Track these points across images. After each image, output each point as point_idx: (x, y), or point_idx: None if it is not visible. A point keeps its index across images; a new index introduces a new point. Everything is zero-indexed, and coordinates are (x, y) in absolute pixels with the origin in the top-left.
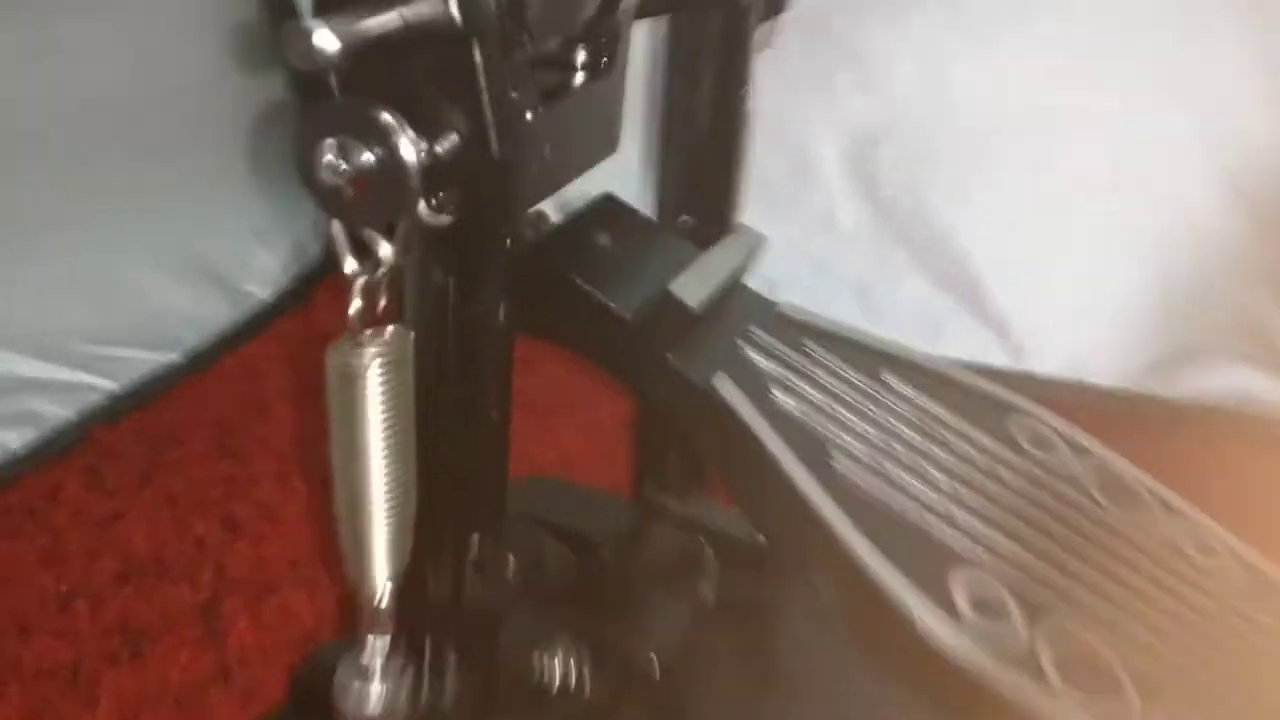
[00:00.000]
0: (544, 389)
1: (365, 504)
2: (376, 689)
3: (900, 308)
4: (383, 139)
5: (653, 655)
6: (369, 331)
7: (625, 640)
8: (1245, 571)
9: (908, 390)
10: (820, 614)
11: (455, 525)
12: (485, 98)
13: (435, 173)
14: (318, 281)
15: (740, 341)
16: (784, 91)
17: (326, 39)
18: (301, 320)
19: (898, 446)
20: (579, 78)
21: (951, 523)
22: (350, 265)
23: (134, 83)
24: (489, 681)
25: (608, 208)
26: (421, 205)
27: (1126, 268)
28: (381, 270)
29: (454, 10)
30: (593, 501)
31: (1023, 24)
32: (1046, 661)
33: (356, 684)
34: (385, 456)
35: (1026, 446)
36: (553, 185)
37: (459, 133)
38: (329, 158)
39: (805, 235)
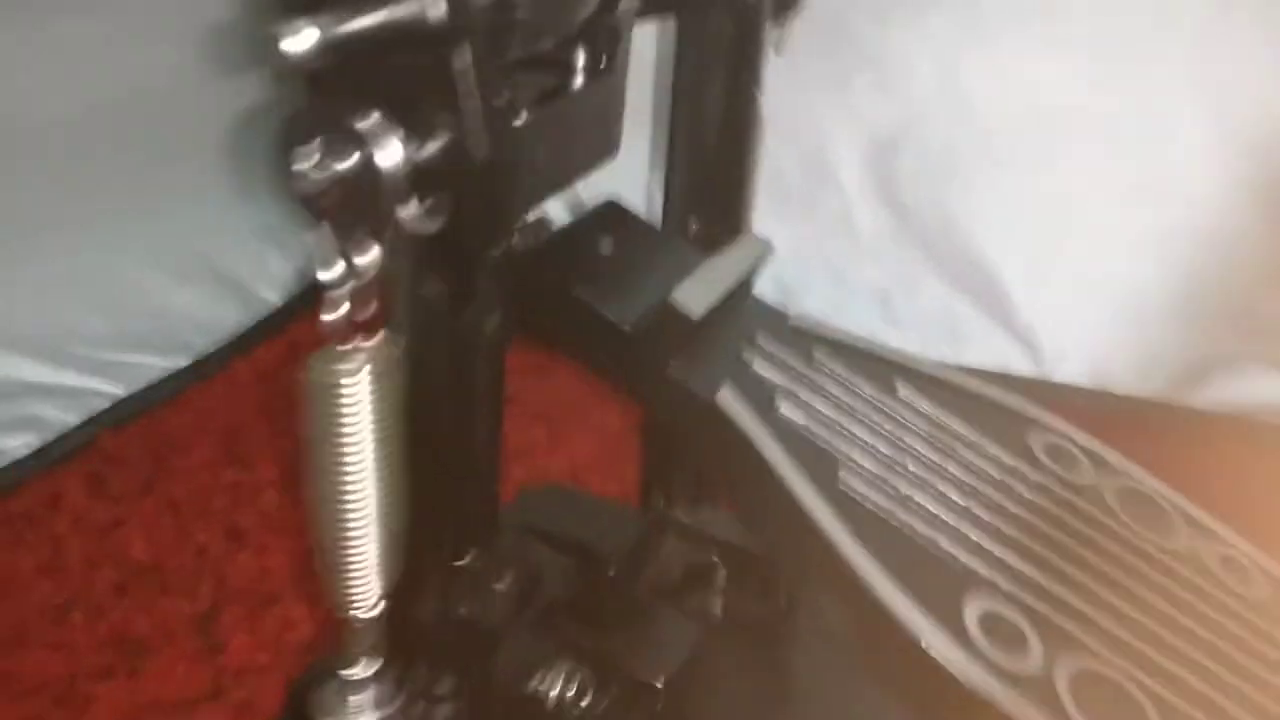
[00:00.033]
0: (556, 396)
1: (352, 522)
2: (365, 712)
3: (919, 314)
4: (365, 142)
5: (659, 673)
6: (352, 342)
7: (629, 658)
8: (1275, 590)
9: (921, 403)
10: (829, 633)
11: (447, 540)
12: (470, 100)
13: (420, 177)
14: None
15: (746, 352)
16: (801, 93)
17: (297, 39)
18: (314, 325)
19: (909, 462)
20: (577, 79)
21: (964, 542)
22: (330, 272)
23: (140, 82)
24: (486, 703)
25: (611, 214)
26: (409, 211)
27: (1151, 272)
28: (364, 278)
29: (437, 10)
30: (600, 512)
31: (1041, 23)
32: (1063, 690)
33: (343, 706)
34: (373, 472)
35: (1045, 461)
36: (548, 190)
37: (444, 136)
38: (310, 161)
39: (822, 240)
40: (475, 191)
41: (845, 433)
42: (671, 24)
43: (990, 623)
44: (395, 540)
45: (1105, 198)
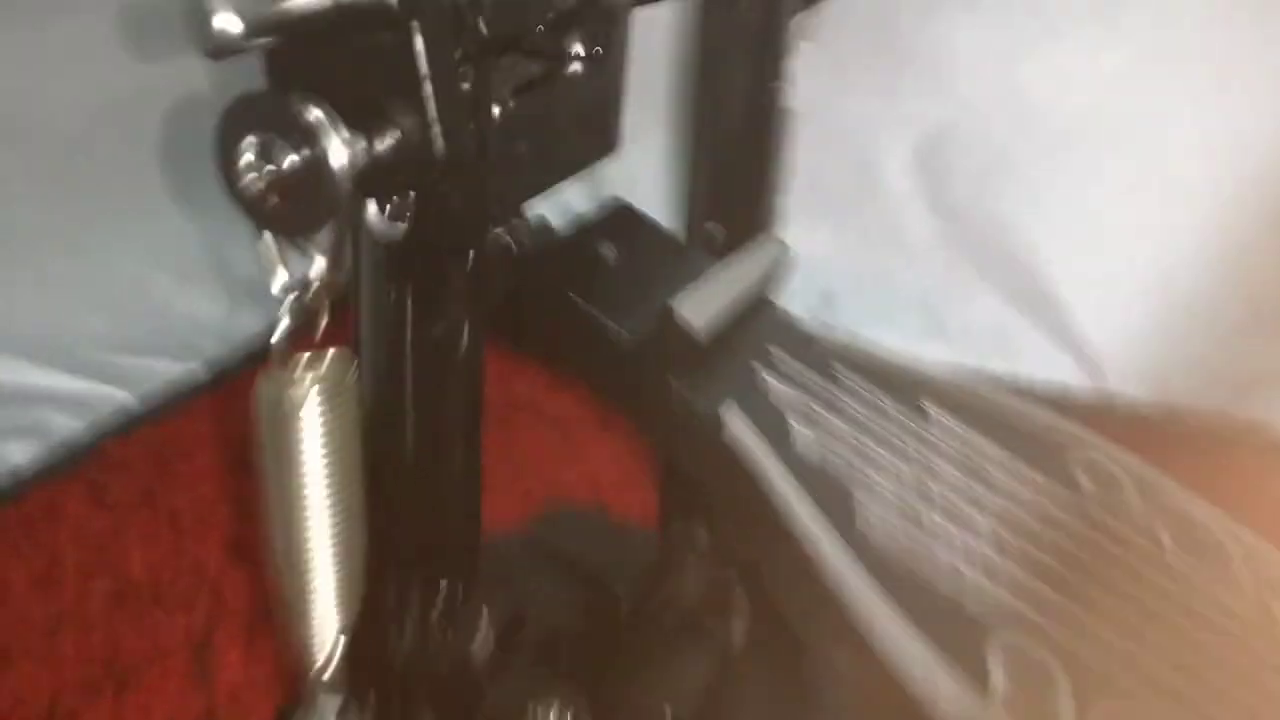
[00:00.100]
0: (574, 406)
1: (307, 552)
2: None
3: (968, 324)
4: (309, 137)
5: (666, 709)
6: (305, 357)
7: (634, 695)
8: None
9: (951, 422)
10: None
11: (420, 573)
12: (427, 89)
13: (377, 176)
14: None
15: (758, 365)
16: (844, 90)
17: (228, 20)
18: (335, 333)
19: (934, 487)
20: (571, 69)
21: (992, 577)
22: (278, 282)
23: (148, 81)
24: None
25: (618, 217)
26: (371, 213)
27: (1217, 283)
28: (314, 287)
29: None
30: (612, 534)
31: (1103, 18)
32: None
33: None
34: (328, 499)
35: (1087, 486)
36: (532, 189)
37: (400, 130)
38: (250, 157)
39: (866, 245)
40: (446, 191)
41: (865, 457)
42: (690, 8)
43: (1018, 669)
44: (356, 572)
45: (1168, 202)
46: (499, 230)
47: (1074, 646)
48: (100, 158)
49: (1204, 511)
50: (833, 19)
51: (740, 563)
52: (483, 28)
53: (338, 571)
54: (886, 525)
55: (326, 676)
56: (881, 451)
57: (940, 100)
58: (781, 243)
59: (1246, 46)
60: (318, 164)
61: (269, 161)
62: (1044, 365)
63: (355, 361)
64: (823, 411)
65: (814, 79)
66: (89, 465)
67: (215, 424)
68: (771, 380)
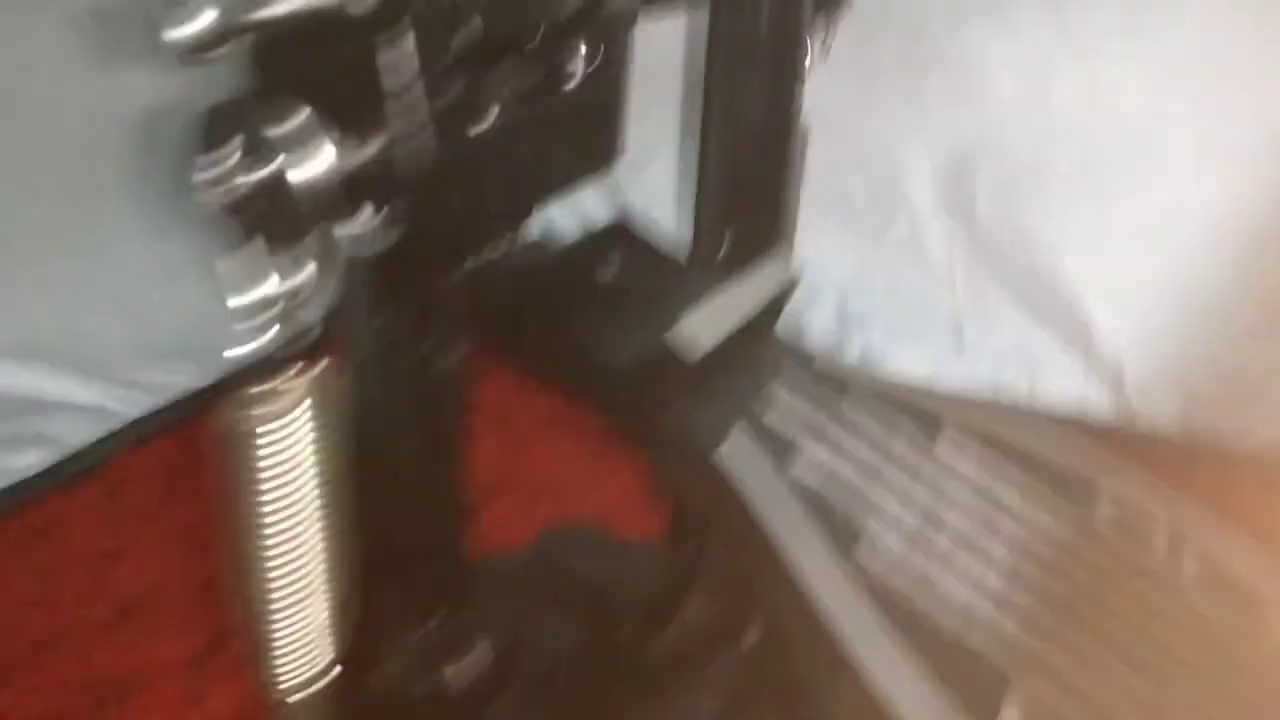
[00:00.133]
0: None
1: (285, 587)
2: None
3: (993, 345)
4: (286, 145)
5: None
6: (290, 373)
7: None
8: None
9: (966, 461)
10: None
11: (409, 603)
12: (405, 99)
13: (360, 187)
14: None
15: (761, 398)
16: (870, 103)
17: (188, 23)
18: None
19: (944, 533)
20: (568, 78)
21: (1006, 633)
22: (248, 295)
23: (169, 84)
24: None
25: (617, 236)
26: (357, 223)
27: (1252, 305)
28: (288, 306)
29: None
30: (618, 554)
31: (1138, 33)
32: None
33: None
34: (302, 529)
35: (1110, 533)
36: (527, 203)
37: (381, 140)
38: (233, 160)
39: (891, 263)
40: (428, 205)
41: (870, 496)
42: (703, 17)
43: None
44: (339, 605)
45: (1202, 222)
46: (496, 244)
47: (1096, 695)
48: (120, 160)
49: (1237, 549)
50: (859, 29)
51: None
52: (474, 37)
53: (317, 604)
54: (891, 572)
55: (306, 707)
56: (887, 492)
57: (968, 113)
58: (788, 266)
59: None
60: (305, 167)
61: (254, 164)
62: (1068, 384)
63: (342, 377)
64: (826, 449)
65: (838, 90)
66: (99, 476)
67: None
68: (772, 409)
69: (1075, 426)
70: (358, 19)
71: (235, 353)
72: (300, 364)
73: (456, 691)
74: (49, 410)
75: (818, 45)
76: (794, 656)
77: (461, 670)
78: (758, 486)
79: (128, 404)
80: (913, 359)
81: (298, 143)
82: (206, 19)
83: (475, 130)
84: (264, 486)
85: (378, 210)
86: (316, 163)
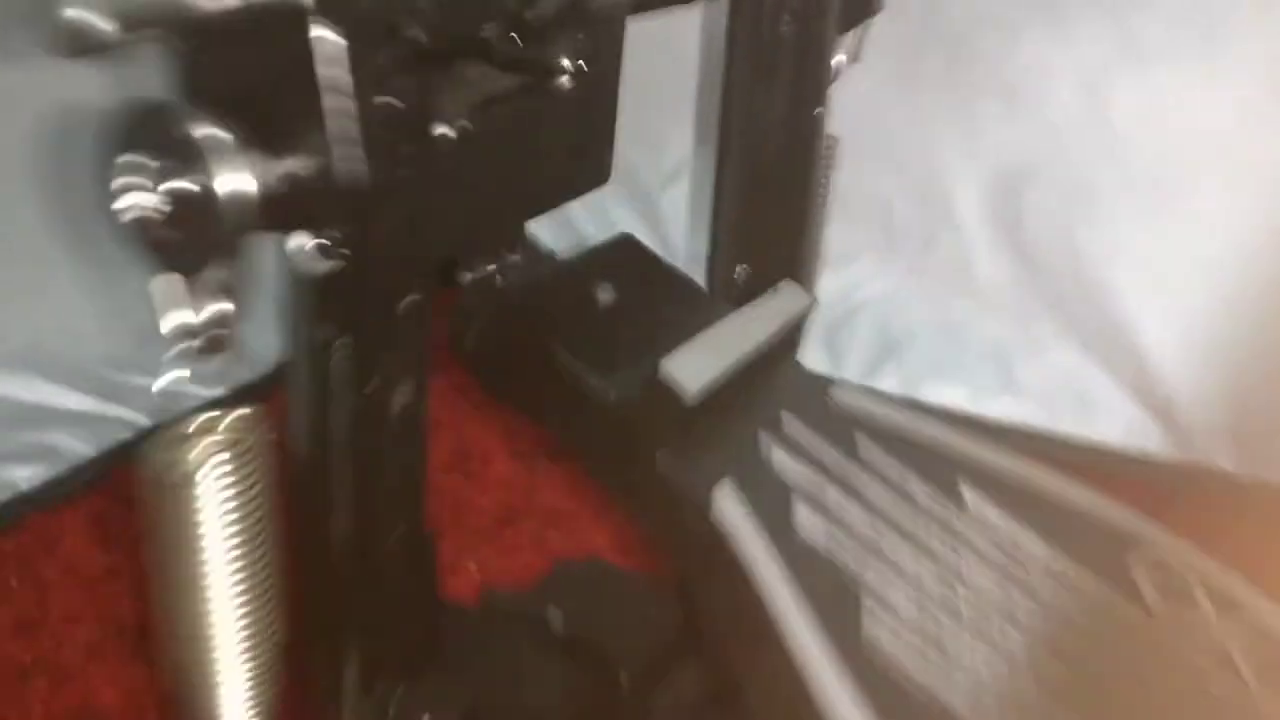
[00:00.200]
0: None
1: (208, 646)
2: None
3: (1041, 376)
4: (201, 158)
5: None
6: (202, 418)
7: None
8: None
9: (991, 513)
10: None
11: (359, 671)
12: (343, 105)
13: (284, 205)
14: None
15: (764, 435)
16: (916, 116)
17: (82, 12)
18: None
19: (962, 595)
20: (552, 84)
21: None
22: (171, 322)
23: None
24: None
25: (623, 252)
26: (298, 247)
27: None
28: (210, 334)
29: None
30: (624, 600)
31: (1203, 49)
32: None
33: None
34: (234, 584)
35: (1152, 598)
36: (503, 221)
37: (313, 154)
38: (133, 178)
39: (933, 286)
40: (374, 224)
41: (881, 554)
42: (716, 20)
43: None
44: (266, 670)
45: (1266, 249)
46: (481, 266)
47: None
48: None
49: None
50: (903, 36)
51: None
52: (421, 36)
53: (246, 662)
54: (899, 642)
55: None
56: (903, 546)
57: (1020, 127)
58: (803, 292)
59: None
60: (209, 190)
61: (156, 184)
62: (1121, 424)
63: (263, 421)
64: (836, 494)
65: (880, 101)
66: (94, 493)
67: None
68: (778, 454)
69: (1120, 459)
70: (287, 15)
71: (158, 384)
72: (236, 403)
73: None
74: (45, 422)
75: (846, 50)
76: None
77: None
78: (753, 545)
79: (127, 418)
80: (953, 388)
81: (214, 154)
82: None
83: (431, 142)
84: (190, 536)
85: (316, 230)
86: (232, 181)
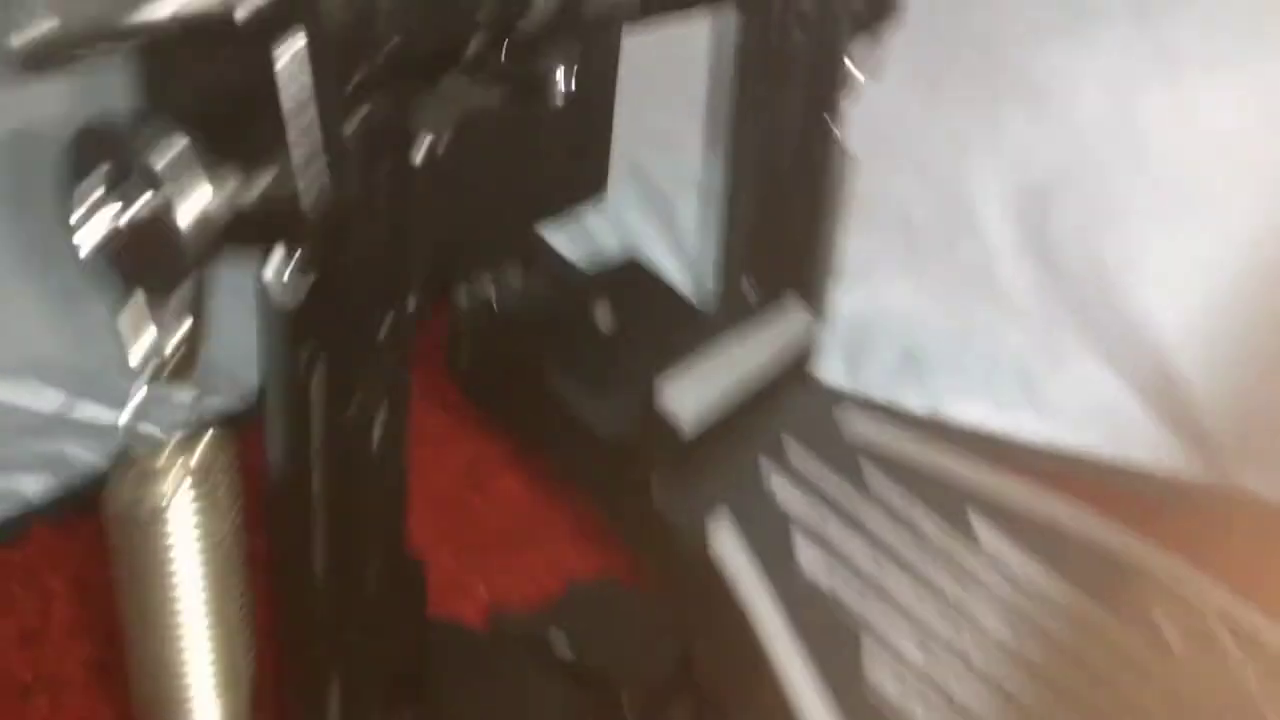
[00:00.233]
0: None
1: (180, 681)
2: None
3: (1070, 396)
4: (164, 177)
5: None
6: (168, 449)
7: None
8: None
9: (1003, 546)
10: None
11: (341, 706)
12: (309, 118)
13: (250, 224)
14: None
15: (766, 462)
16: (938, 124)
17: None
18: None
19: (971, 637)
20: (545, 97)
21: None
22: (138, 352)
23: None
24: None
25: (626, 275)
26: (271, 267)
27: None
28: (172, 362)
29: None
30: (639, 623)
31: (1233, 59)
32: None
33: None
34: (207, 617)
35: (1173, 638)
36: (485, 240)
37: (281, 172)
38: (97, 195)
39: (955, 300)
40: (350, 243)
41: (884, 592)
42: (725, 28)
43: None
44: (241, 710)
45: None
46: (478, 283)
47: None
48: None
49: None
50: (924, 43)
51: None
52: (390, 43)
53: (220, 696)
54: (902, 686)
55: None
56: (908, 583)
57: (1048, 137)
58: (808, 311)
59: None
60: (169, 207)
61: (118, 200)
62: (1147, 442)
63: (231, 447)
64: (839, 526)
65: (901, 110)
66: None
67: (254, 464)
68: (779, 482)
69: (1146, 479)
70: (244, 28)
71: (125, 414)
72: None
73: None
74: (54, 431)
75: (864, 67)
76: None
77: None
78: (749, 580)
79: (142, 428)
80: (975, 402)
81: (175, 173)
82: (44, 26)
83: (410, 158)
84: (162, 567)
85: (287, 249)
86: (193, 198)
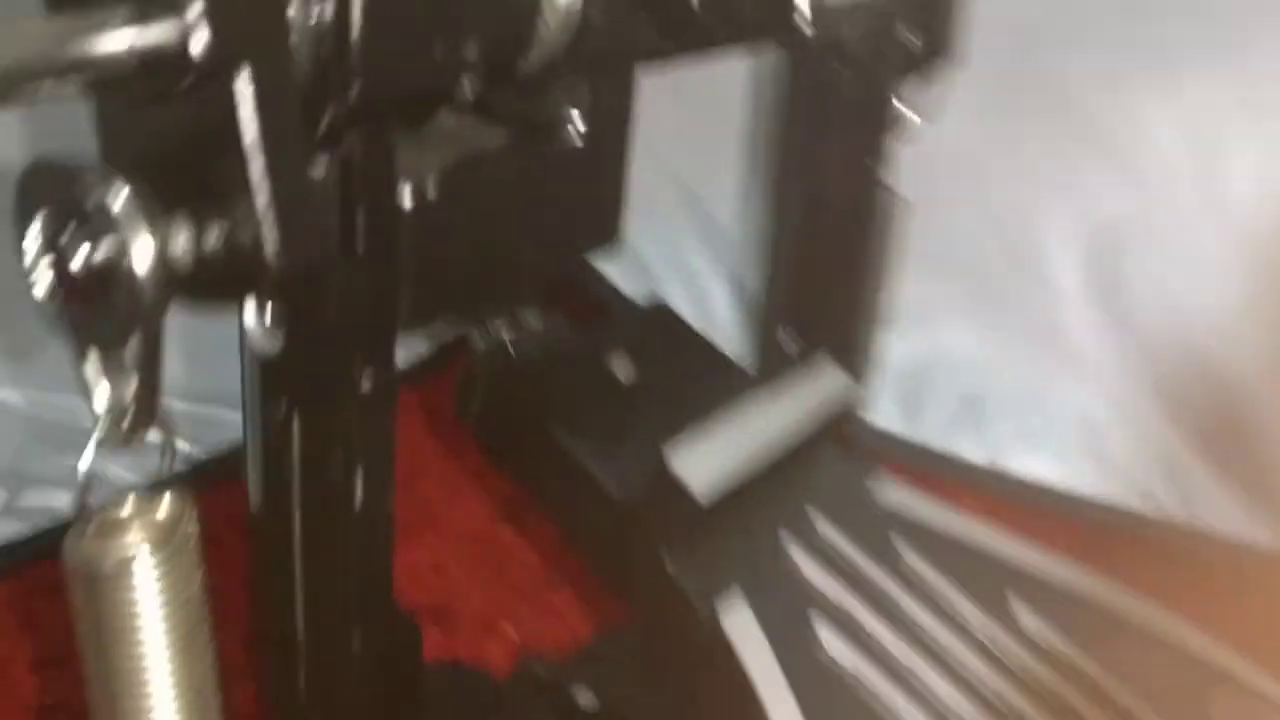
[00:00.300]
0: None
1: None
2: None
3: (1138, 455)
4: (106, 224)
5: None
6: (129, 502)
7: None
8: None
9: (1047, 636)
10: None
11: None
12: (260, 165)
13: (204, 278)
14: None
15: (788, 537)
16: (1009, 168)
17: None
18: (436, 392)
19: None
20: (549, 139)
21: None
22: (99, 402)
23: None
24: None
25: (653, 322)
26: (250, 318)
27: None
28: (131, 414)
29: (199, 41)
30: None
31: None
32: None
33: None
34: (173, 674)
35: None
36: (478, 294)
37: (244, 221)
38: (40, 242)
39: (1020, 349)
40: (324, 297)
41: (912, 687)
42: (767, 67)
43: None
44: None
45: None
46: (490, 331)
47: None
48: None
49: None
50: (995, 84)
51: None
52: (352, 89)
53: None
54: None
55: None
56: (940, 677)
57: (1122, 182)
58: (842, 373)
59: None
60: (114, 260)
61: (61, 252)
62: (1221, 510)
63: (195, 505)
64: (864, 609)
65: (969, 152)
66: None
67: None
68: (801, 559)
69: (1217, 547)
70: (200, 63)
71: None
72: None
73: None
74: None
75: (918, 101)
76: None
77: None
78: (763, 668)
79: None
80: (1038, 457)
81: (129, 221)
82: None
83: (391, 207)
84: (125, 631)
85: (259, 305)
86: (139, 251)
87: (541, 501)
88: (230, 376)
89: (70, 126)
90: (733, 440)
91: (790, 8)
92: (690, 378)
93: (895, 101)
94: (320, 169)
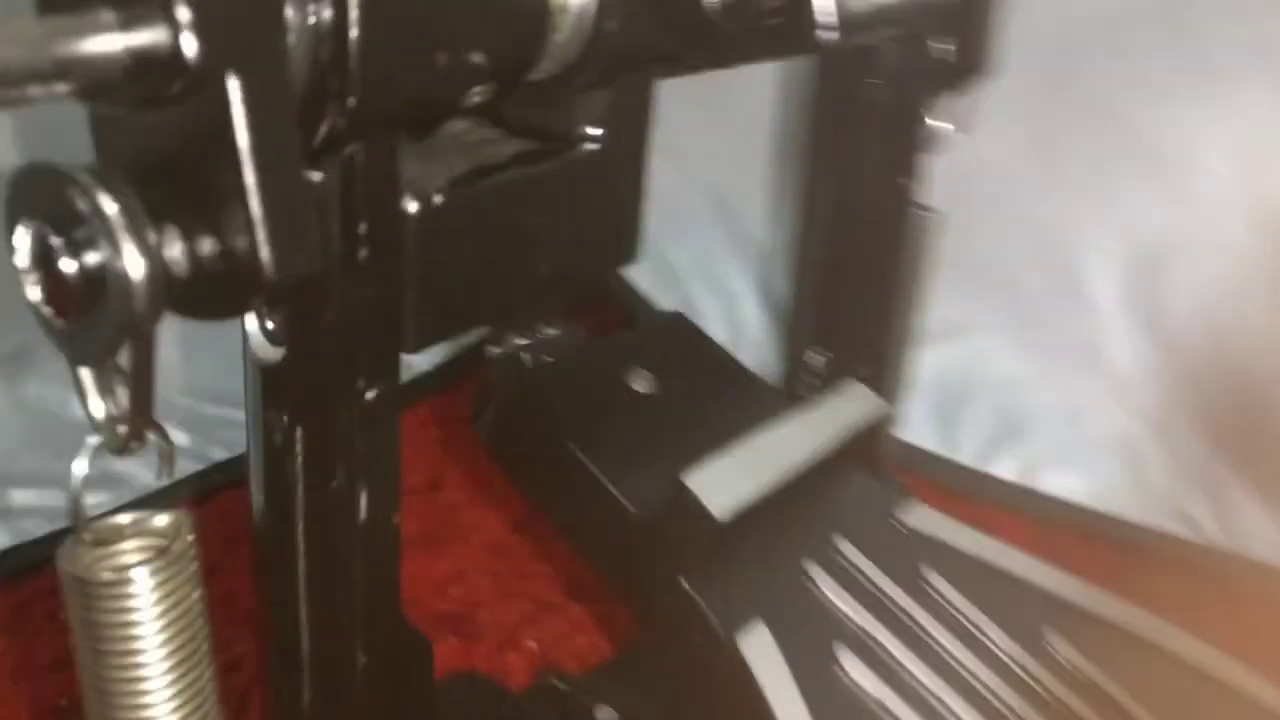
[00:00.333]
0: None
1: None
2: None
3: (1178, 480)
4: (94, 234)
5: None
6: (127, 520)
7: None
8: None
9: (1080, 661)
10: None
11: None
12: (253, 172)
13: (197, 290)
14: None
15: (812, 564)
16: (1050, 184)
17: None
18: (460, 399)
19: None
20: (562, 151)
21: None
22: (96, 408)
23: None
24: None
25: (672, 332)
26: (252, 329)
27: None
28: (119, 430)
29: (190, 46)
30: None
31: None
32: None
33: None
34: (172, 688)
35: None
36: (485, 309)
37: (239, 232)
38: (27, 252)
39: (1059, 369)
40: (323, 311)
41: (943, 713)
42: (810, 82)
43: None
44: None
45: None
46: (503, 345)
47: None
48: None
49: None
50: (1036, 98)
51: None
52: (351, 96)
53: None
54: None
55: None
56: (969, 711)
57: (1168, 201)
58: (870, 394)
59: None
60: (105, 267)
61: (47, 262)
62: (1267, 537)
63: (192, 520)
64: (891, 639)
65: (1010, 167)
66: None
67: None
68: (826, 586)
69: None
70: (194, 66)
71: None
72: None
73: None
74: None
75: (951, 118)
76: None
77: None
78: (784, 701)
79: (201, 450)
80: (1076, 479)
81: (119, 230)
82: None
83: (395, 218)
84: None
85: (259, 317)
86: (129, 263)
87: (555, 518)
88: None
89: (71, 131)
90: (755, 459)
91: (813, 17)
92: (712, 393)
93: (928, 114)
94: (319, 176)
